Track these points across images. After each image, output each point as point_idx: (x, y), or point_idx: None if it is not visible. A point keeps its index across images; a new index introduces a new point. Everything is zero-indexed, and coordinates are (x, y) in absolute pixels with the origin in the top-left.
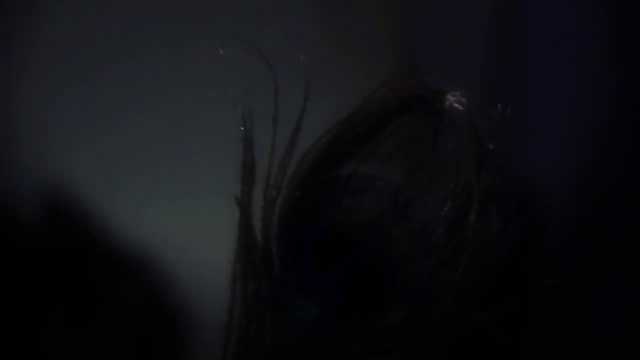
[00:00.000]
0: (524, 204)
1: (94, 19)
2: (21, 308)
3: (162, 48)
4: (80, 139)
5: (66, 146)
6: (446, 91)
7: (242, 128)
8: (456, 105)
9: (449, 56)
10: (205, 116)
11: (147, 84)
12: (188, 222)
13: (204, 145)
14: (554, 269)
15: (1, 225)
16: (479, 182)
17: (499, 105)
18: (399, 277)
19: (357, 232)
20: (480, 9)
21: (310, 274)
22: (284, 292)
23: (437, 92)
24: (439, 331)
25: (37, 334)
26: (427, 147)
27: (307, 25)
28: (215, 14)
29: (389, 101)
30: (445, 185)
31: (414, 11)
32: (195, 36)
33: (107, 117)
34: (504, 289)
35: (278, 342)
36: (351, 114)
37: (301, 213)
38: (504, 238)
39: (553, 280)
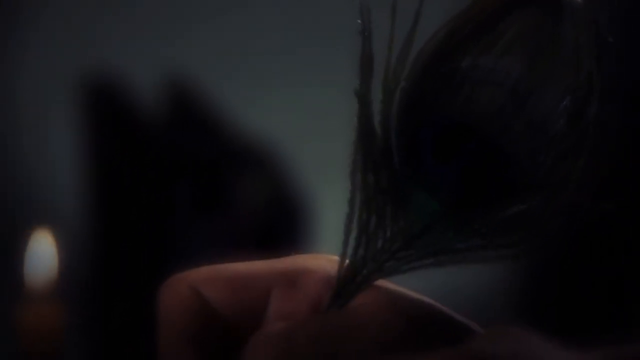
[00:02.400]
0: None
1: None
2: (148, 200)
3: None
4: (198, 30)
5: (183, 37)
6: None
7: (360, 20)
8: None
9: None
10: (324, 6)
11: None
12: (307, 115)
13: (322, 38)
14: None
15: (126, 119)
16: (599, 73)
17: None
18: (519, 169)
19: (477, 124)
20: None
21: (429, 167)
22: (403, 185)
23: None
24: (560, 223)
25: (167, 222)
26: (547, 38)
27: None
28: None
29: None
30: (566, 76)
31: None
32: None
33: (222, 6)
34: (626, 180)
35: (398, 233)
36: (471, 5)
37: (420, 106)
38: (624, 129)
39: None
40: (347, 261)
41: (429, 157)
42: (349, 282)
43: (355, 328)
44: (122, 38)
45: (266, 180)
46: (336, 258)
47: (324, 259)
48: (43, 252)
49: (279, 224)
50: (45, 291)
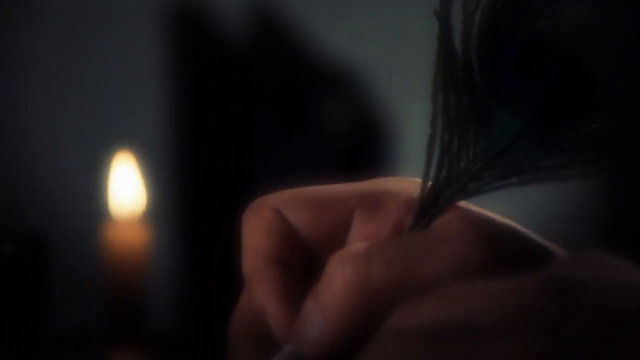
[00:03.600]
0: None
1: None
2: (232, 124)
3: None
4: None
5: None
6: None
7: None
8: None
9: None
10: None
11: None
12: (389, 37)
13: None
14: None
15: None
16: None
17: None
18: (603, 85)
19: (559, 41)
20: None
21: (511, 86)
22: (486, 104)
23: None
24: None
25: (251, 146)
26: None
27: None
28: None
29: None
30: None
31: None
32: None
33: None
34: None
35: (480, 154)
36: None
37: (501, 25)
38: None
39: None
40: (429, 183)
41: (510, 76)
42: (431, 203)
43: (436, 249)
44: None
45: (349, 103)
46: (418, 180)
47: (406, 181)
48: (128, 174)
49: (362, 147)
50: (130, 213)
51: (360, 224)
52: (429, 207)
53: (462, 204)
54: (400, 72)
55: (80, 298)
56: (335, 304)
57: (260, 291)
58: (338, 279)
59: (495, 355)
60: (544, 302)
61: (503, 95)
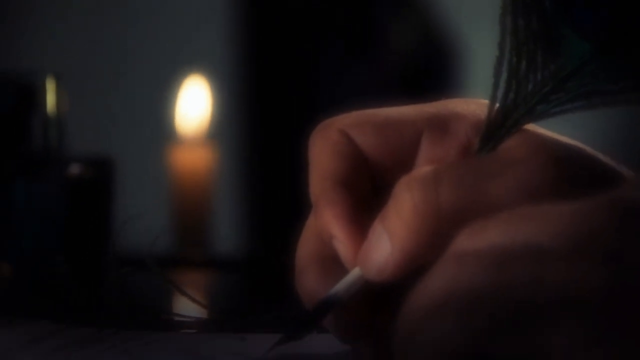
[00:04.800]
0: None
1: None
2: (299, 44)
3: None
4: None
5: None
6: None
7: None
8: None
9: None
10: None
11: None
12: None
13: None
14: None
15: None
16: None
17: None
18: None
19: None
20: None
21: (581, 8)
22: (554, 27)
23: None
24: None
25: (318, 66)
26: None
27: None
28: None
29: None
30: None
31: None
32: None
33: None
34: None
35: (549, 76)
36: None
37: None
38: None
39: None
40: (497, 105)
41: (581, 0)
42: (499, 126)
43: (503, 172)
44: None
45: (417, 24)
46: (486, 102)
47: (474, 103)
48: (196, 96)
49: (430, 68)
50: (197, 135)
51: (428, 147)
52: (497, 129)
53: (530, 126)
54: None
55: (146, 219)
56: (403, 228)
57: (326, 214)
58: (406, 203)
59: (559, 279)
60: (609, 227)
61: (573, 19)
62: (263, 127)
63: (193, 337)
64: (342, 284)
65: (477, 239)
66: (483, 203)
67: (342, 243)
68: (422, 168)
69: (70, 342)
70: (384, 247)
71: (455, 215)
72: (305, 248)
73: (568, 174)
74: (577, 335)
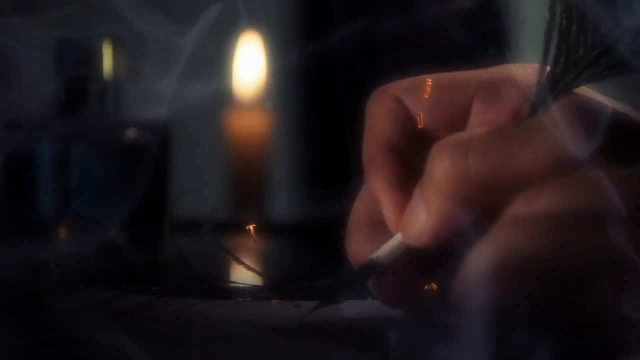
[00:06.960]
0: None
1: None
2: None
3: None
4: None
5: None
6: None
7: None
8: None
9: None
10: None
11: None
12: None
13: None
14: None
15: None
16: None
17: None
18: None
19: None
20: None
21: None
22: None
23: None
24: None
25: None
26: None
27: None
28: None
29: None
30: None
31: None
32: None
33: None
34: None
35: (599, 40)
36: None
37: None
38: None
39: None
40: (547, 69)
41: None
42: (549, 90)
43: (533, 139)
44: None
45: None
46: (537, 66)
47: (525, 68)
48: (253, 59)
49: (481, 34)
50: (254, 99)
51: (480, 111)
52: (547, 94)
53: (581, 90)
54: None
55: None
56: (435, 194)
57: (374, 179)
58: (437, 169)
59: (614, 244)
60: None
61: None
62: (319, 92)
63: (248, 305)
64: (385, 248)
65: (533, 204)
66: (512, 170)
67: (387, 208)
68: (456, 134)
69: (128, 309)
70: (419, 213)
71: (486, 181)
72: (357, 211)
73: (616, 137)
74: (634, 299)
